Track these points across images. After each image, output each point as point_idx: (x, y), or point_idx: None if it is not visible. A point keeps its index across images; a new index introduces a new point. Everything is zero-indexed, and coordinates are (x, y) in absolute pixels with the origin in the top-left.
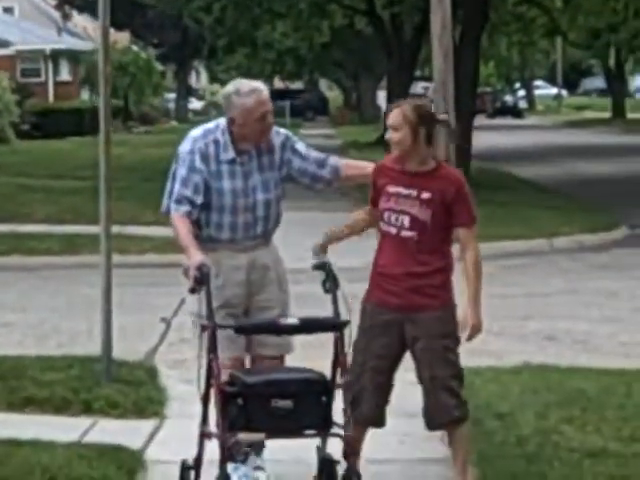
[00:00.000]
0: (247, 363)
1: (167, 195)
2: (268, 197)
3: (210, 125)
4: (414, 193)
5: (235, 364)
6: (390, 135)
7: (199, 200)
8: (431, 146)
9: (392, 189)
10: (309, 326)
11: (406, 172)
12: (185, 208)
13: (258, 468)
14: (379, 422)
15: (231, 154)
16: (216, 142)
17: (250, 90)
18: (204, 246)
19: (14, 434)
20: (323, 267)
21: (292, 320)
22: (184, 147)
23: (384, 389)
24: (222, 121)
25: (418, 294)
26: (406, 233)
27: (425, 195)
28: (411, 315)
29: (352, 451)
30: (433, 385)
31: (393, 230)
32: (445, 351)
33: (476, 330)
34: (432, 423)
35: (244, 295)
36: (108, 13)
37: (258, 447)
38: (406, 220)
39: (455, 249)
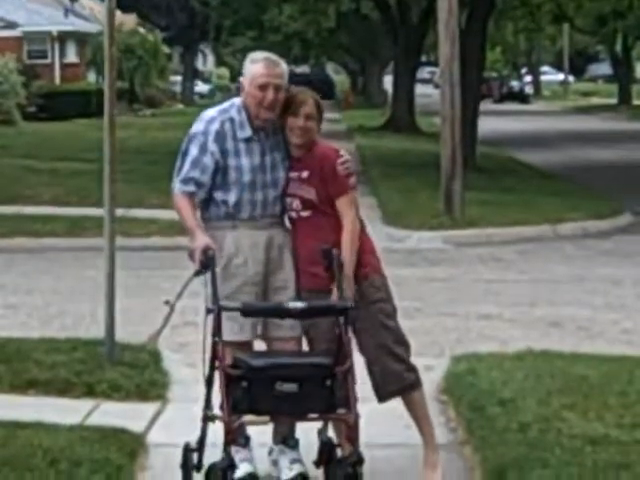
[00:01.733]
0: (258, 346)
1: (175, 174)
2: (288, 175)
3: (225, 105)
4: (297, 175)
5: (242, 348)
6: (304, 124)
7: (206, 182)
8: None
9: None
10: (316, 310)
11: (293, 158)
12: (190, 188)
13: (295, 461)
14: None
15: (248, 132)
16: (232, 120)
17: (262, 58)
18: (223, 225)
19: (17, 416)
20: (328, 253)
21: (299, 304)
22: (197, 127)
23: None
24: (237, 100)
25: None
26: (303, 213)
27: (304, 174)
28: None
29: (356, 435)
30: (376, 351)
31: (293, 214)
32: (377, 313)
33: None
34: (382, 392)
35: (263, 273)
36: None
37: (292, 441)
38: (297, 202)
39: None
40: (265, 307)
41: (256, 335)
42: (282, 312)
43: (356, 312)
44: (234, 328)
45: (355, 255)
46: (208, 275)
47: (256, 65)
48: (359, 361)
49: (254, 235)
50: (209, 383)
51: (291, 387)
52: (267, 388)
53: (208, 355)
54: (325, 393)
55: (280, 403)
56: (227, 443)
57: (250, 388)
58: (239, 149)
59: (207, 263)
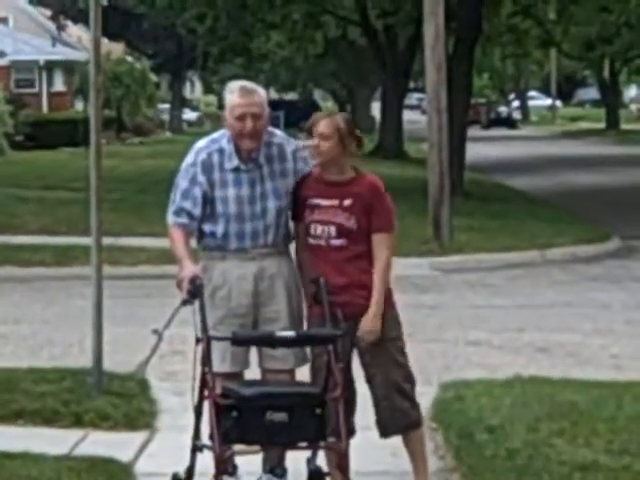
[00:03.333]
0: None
1: (170, 205)
2: (279, 204)
3: (215, 135)
4: (336, 202)
5: (231, 379)
6: (318, 143)
7: (198, 212)
8: (350, 156)
9: (314, 201)
10: (306, 339)
11: (326, 183)
12: (183, 220)
13: None
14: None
15: (235, 162)
16: (221, 151)
17: (238, 87)
18: (213, 255)
19: (4, 446)
20: (316, 281)
21: (289, 333)
22: (188, 159)
23: (350, 398)
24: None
25: (354, 300)
26: (334, 242)
27: (347, 202)
28: (354, 319)
29: (347, 463)
30: (387, 388)
31: (322, 242)
32: (391, 349)
33: (369, 336)
34: (387, 428)
35: (251, 305)
36: (99, 23)
37: (280, 470)
38: (333, 230)
39: None
40: (255, 336)
41: (246, 367)
42: (272, 341)
43: (367, 346)
44: (225, 359)
45: (383, 296)
46: (197, 304)
47: (232, 95)
48: (361, 392)
49: (243, 266)
50: (198, 413)
51: (281, 416)
52: (257, 417)
53: (197, 384)
54: (315, 422)
55: (271, 432)
56: (218, 473)
57: (240, 418)
58: (226, 180)
59: (195, 292)
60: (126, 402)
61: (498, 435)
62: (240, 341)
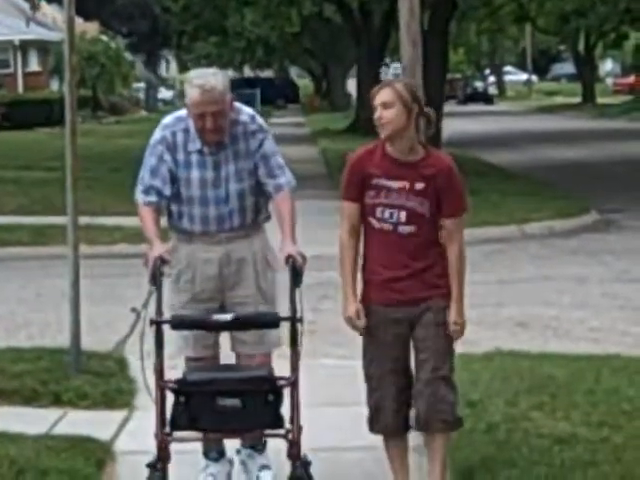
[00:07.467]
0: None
1: (138, 183)
2: (242, 187)
3: (182, 112)
4: (407, 185)
5: (204, 364)
6: (380, 113)
7: (167, 190)
8: (418, 130)
9: (381, 181)
10: (244, 322)
11: (394, 161)
12: (152, 198)
13: (264, 467)
14: (402, 429)
15: (198, 144)
16: (186, 130)
17: (198, 85)
18: (180, 237)
19: None
20: (287, 261)
21: (225, 316)
22: (155, 135)
23: (404, 393)
24: None
25: (421, 288)
26: (404, 229)
27: (419, 186)
28: (416, 308)
29: (298, 451)
30: (434, 377)
31: (388, 227)
32: (450, 342)
33: (459, 330)
34: (430, 420)
35: (215, 290)
36: (73, 2)
37: (260, 445)
38: (403, 215)
39: None
40: (193, 320)
41: (213, 351)
42: (209, 324)
43: (427, 335)
44: (188, 343)
45: (463, 287)
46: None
47: (192, 91)
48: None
49: (209, 250)
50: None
51: (234, 402)
52: (208, 404)
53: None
54: (269, 408)
55: (223, 419)
56: (157, 460)
57: (188, 404)
58: (190, 161)
59: (154, 277)
60: (105, 381)
61: (477, 409)
62: (178, 325)
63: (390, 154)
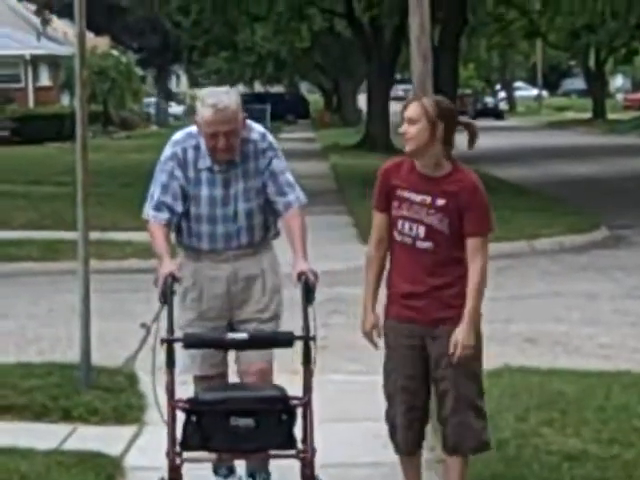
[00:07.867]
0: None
1: (148, 200)
2: (250, 206)
3: (193, 129)
4: (428, 200)
5: (213, 383)
6: (405, 128)
7: (179, 207)
8: (449, 147)
9: (404, 194)
10: (259, 341)
11: (419, 175)
12: (163, 215)
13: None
14: (412, 446)
15: (208, 162)
16: (196, 147)
17: (211, 104)
18: (188, 254)
19: None
20: (299, 278)
21: (240, 335)
22: (165, 152)
23: (415, 411)
24: None
25: (437, 307)
26: (421, 244)
27: (440, 202)
28: (431, 329)
29: (312, 472)
30: (458, 404)
31: (408, 240)
32: (473, 366)
33: (463, 350)
34: (458, 447)
35: (223, 308)
36: (84, 17)
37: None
38: (421, 230)
39: None
40: (205, 338)
41: (221, 369)
42: (223, 343)
43: (443, 358)
44: (195, 361)
45: (478, 309)
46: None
47: (204, 110)
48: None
49: (216, 268)
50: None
51: (247, 422)
52: (221, 423)
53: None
54: (282, 428)
55: (236, 439)
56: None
57: (201, 423)
58: (200, 178)
59: (164, 295)
60: (115, 396)
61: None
62: (190, 344)
63: (417, 168)
